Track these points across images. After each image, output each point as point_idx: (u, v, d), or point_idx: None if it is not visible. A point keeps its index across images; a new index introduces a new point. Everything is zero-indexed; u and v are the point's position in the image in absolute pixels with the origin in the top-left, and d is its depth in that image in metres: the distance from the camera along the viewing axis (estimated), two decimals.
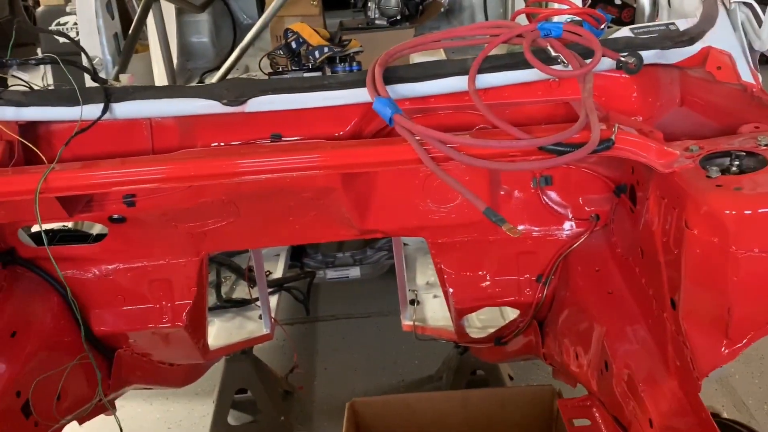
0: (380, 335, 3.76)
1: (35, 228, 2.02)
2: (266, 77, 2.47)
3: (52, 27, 3.57)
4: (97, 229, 2.32)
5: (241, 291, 2.89)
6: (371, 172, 1.81)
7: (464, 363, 3.10)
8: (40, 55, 3.13)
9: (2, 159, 1.81)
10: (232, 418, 3.21)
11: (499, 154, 1.53)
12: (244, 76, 3.24)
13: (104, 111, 1.69)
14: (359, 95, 1.69)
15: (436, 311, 2.69)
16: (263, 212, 1.97)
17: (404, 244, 2.82)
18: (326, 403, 3.38)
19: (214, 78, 2.82)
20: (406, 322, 2.67)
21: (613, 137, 1.45)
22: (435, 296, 2.75)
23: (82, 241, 2.07)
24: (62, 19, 3.62)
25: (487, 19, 3.75)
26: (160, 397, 3.42)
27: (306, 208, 1.95)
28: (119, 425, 2.05)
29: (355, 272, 3.18)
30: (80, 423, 2.14)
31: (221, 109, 1.71)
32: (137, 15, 2.82)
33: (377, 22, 3.49)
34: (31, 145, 1.75)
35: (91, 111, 1.70)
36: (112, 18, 2.76)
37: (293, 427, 3.24)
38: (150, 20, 2.98)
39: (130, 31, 2.77)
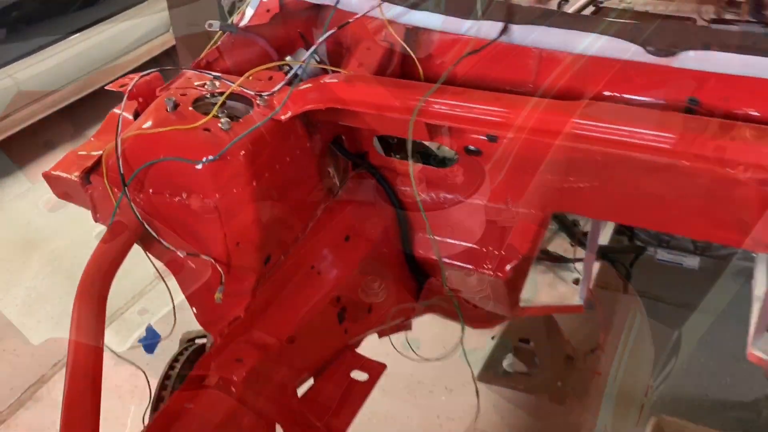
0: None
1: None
2: (705, 23, 2.00)
3: None
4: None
5: (559, 245, 2.60)
6: None
7: None
8: None
9: (380, 64, 1.71)
10: (506, 363, 3.06)
11: None
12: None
13: (502, 32, 1.45)
14: None
15: None
16: (638, 186, 1.61)
17: None
18: (609, 384, 3.03)
19: (572, 7, 2.36)
20: (756, 352, 2.13)
21: None
22: None
23: (428, 161, 1.95)
24: None
25: None
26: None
27: (695, 196, 1.55)
28: None
29: (692, 261, 2.64)
30: (379, 336, 2.14)
31: (640, 57, 1.35)
32: None
33: None
34: (412, 53, 1.62)
35: (486, 29, 1.48)
36: None
37: (566, 396, 2.99)
38: None
39: None
